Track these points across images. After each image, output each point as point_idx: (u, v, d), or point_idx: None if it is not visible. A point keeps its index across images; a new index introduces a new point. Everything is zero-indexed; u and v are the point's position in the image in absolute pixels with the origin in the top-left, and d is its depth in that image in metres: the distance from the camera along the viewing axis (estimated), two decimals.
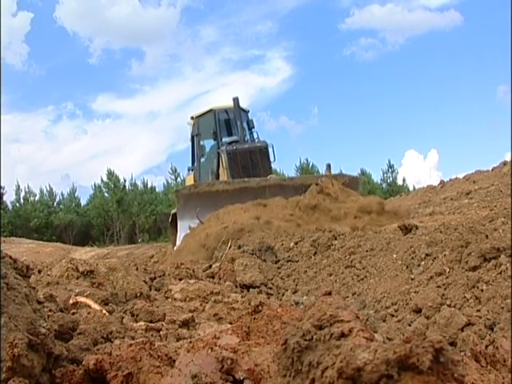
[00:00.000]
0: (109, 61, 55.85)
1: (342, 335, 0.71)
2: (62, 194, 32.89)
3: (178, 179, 32.23)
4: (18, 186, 31.27)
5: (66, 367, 1.23)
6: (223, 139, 10.67)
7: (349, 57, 56.65)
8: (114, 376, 1.16)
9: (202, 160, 11.29)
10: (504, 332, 1.79)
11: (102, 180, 31.75)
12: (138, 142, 54.91)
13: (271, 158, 10.32)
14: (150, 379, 1.15)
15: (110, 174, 31.60)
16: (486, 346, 1.50)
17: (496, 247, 2.49)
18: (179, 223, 9.06)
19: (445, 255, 2.92)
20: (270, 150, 10.26)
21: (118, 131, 55.54)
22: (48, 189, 32.22)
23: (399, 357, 0.62)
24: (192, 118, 11.54)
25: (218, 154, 10.43)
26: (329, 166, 9.59)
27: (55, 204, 32.15)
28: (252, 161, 9.97)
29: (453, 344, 1.87)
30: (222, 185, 8.99)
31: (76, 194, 33.02)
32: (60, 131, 54.97)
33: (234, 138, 10.56)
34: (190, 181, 11.73)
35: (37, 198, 31.50)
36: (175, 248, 9.08)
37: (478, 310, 2.16)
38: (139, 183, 33.25)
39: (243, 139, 10.45)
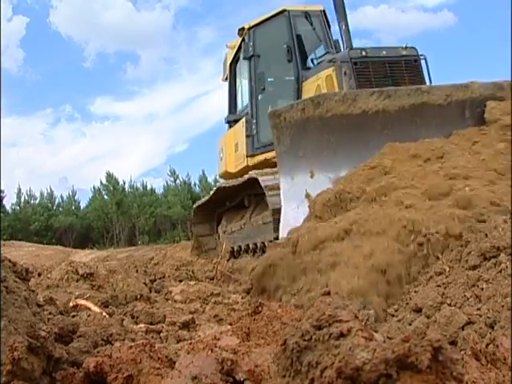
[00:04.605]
0: (103, 64, 56.03)
1: (341, 335, 0.71)
2: (62, 197, 32.95)
3: (178, 181, 32.27)
4: (20, 190, 31.34)
5: (67, 370, 1.23)
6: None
7: None
8: (115, 378, 1.16)
9: (261, 97, 6.84)
10: (504, 330, 1.79)
11: (101, 182, 31.80)
12: (136, 144, 54.98)
13: (425, 77, 5.86)
14: (150, 381, 1.15)
15: (109, 176, 31.61)
16: (487, 345, 1.50)
17: (496, 246, 2.49)
18: (283, 185, 4.12)
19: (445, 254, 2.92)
20: (423, 62, 5.93)
21: (116, 133, 55.62)
22: (49, 191, 32.31)
23: (398, 356, 0.62)
24: (241, 30, 7.14)
25: (298, 83, 6.30)
26: None
27: (55, 207, 32.17)
28: (394, 79, 5.54)
29: (453, 343, 1.87)
30: (373, 99, 4.26)
31: (76, 197, 33.09)
32: (58, 134, 55.11)
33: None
34: (231, 138, 7.47)
35: (37, 201, 31.57)
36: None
37: (479, 309, 2.16)
38: (138, 185, 33.32)
39: None
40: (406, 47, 5.99)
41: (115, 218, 30.21)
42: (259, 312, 1.45)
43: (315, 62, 6.54)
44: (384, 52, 5.86)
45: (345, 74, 5.52)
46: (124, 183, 32.14)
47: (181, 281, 3.93)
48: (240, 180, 6.07)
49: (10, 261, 1.38)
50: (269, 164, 5.75)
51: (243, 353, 1.18)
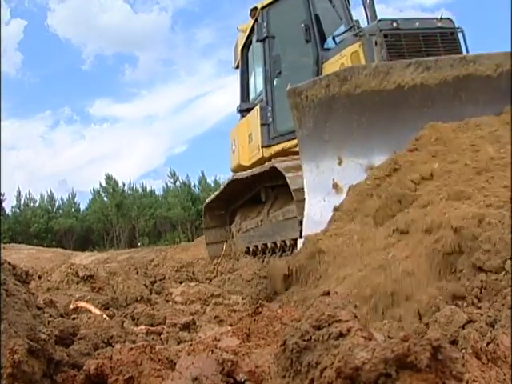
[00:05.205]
0: (102, 67, 56.19)
1: (341, 335, 0.71)
2: (62, 200, 32.96)
3: (177, 182, 32.27)
4: (19, 192, 31.35)
5: (67, 372, 1.23)
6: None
7: None
8: (115, 380, 1.16)
9: (277, 82, 6.15)
10: (505, 329, 1.79)
11: (100, 185, 31.81)
12: (135, 146, 55.09)
13: (463, 51, 5.08)
14: (150, 383, 1.15)
15: (109, 178, 31.63)
16: (487, 343, 1.50)
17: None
18: (307, 174, 3.60)
19: None
20: (460, 36, 5.16)
21: (115, 135, 55.77)
22: (48, 194, 32.32)
23: (397, 355, 0.62)
24: (253, 11, 6.49)
25: (317, 65, 5.61)
26: None
27: (55, 209, 32.17)
28: (429, 53, 4.77)
29: (454, 342, 1.87)
30: (409, 71, 3.65)
31: (75, 199, 33.10)
32: (58, 137, 55.28)
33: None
34: (244, 129, 6.77)
35: (37, 203, 31.58)
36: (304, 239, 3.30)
37: (479, 308, 2.15)
38: (138, 187, 33.32)
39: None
40: (442, 18, 5.16)
41: (115, 219, 30.21)
42: (259, 313, 1.45)
43: (337, 39, 5.86)
44: (417, 23, 5.04)
45: (375, 44, 4.73)
46: (123, 185, 32.16)
47: (181, 282, 3.93)
48: (261, 168, 5.32)
49: (9, 264, 1.38)
50: (287, 154, 5.23)
51: (244, 354, 1.18)
